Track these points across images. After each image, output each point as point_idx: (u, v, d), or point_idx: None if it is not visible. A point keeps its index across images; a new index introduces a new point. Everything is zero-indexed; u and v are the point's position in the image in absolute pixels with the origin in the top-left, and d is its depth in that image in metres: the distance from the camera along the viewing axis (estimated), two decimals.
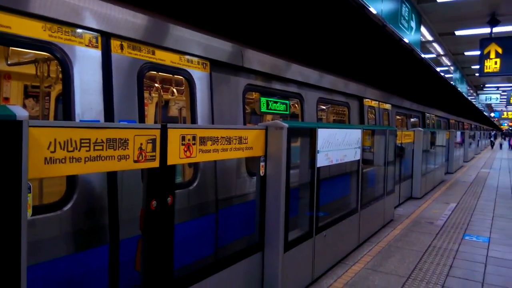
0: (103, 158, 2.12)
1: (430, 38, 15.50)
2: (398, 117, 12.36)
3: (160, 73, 4.47)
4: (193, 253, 3.55)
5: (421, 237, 6.42)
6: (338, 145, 4.83)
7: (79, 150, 2.00)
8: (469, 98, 29.31)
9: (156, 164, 2.50)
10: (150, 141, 2.45)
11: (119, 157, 2.23)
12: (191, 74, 3.71)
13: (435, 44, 16.99)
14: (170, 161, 2.61)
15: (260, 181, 3.78)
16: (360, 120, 8.30)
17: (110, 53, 2.87)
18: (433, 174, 11.83)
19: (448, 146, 15.37)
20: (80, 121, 2.63)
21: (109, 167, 2.18)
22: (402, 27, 9.98)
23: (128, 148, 2.28)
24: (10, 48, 3.85)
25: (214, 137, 3.06)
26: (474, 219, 7.80)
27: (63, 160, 1.94)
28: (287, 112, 5.62)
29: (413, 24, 10.92)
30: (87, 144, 2.04)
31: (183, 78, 3.71)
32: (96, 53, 2.79)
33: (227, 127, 3.40)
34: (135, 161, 2.35)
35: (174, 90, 5.04)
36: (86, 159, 2.03)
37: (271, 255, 3.74)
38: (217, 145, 3.13)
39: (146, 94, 4.63)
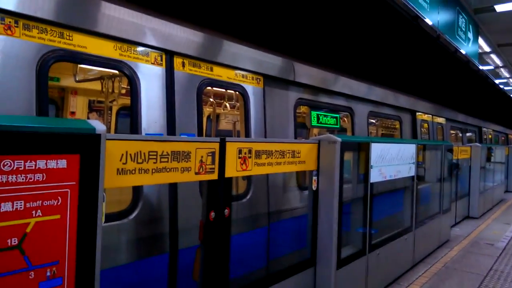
0: (168, 170, 2.22)
1: (488, 49, 14.76)
2: (452, 131, 11.81)
3: (215, 88, 4.61)
4: (246, 265, 3.58)
5: (481, 259, 6.03)
6: (391, 160, 4.70)
7: (147, 162, 2.11)
8: None
9: (215, 176, 2.57)
10: (210, 154, 2.54)
11: (182, 169, 2.32)
12: (245, 89, 3.80)
13: (493, 56, 16.14)
14: (228, 173, 2.67)
15: (312, 195, 3.76)
16: (412, 134, 8.03)
17: (173, 70, 3.03)
18: (492, 192, 11.12)
19: (508, 162, 14.41)
20: (146, 134, 2.78)
21: (174, 178, 2.28)
22: (459, 39, 9.61)
23: (190, 161, 2.38)
24: (78, 65, 4.14)
25: (268, 150, 3.10)
26: None
27: (133, 171, 2.05)
28: (337, 126, 5.57)
29: (470, 35, 10.48)
30: (154, 156, 2.15)
31: (238, 93, 3.81)
32: (161, 70, 2.96)
33: (280, 141, 3.44)
34: (196, 173, 2.44)
35: (228, 105, 5.17)
36: (153, 171, 2.14)
37: (323, 272, 3.68)
38: (271, 158, 3.16)
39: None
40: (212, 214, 2.56)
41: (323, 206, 3.71)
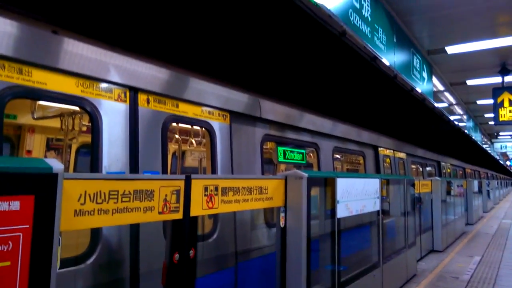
0: (129, 210, 2.12)
1: (441, 87, 15.67)
2: (413, 166, 12.23)
3: (181, 124, 4.57)
4: None
5: None
6: (357, 195, 4.76)
7: (107, 202, 2.00)
8: (483, 146, 29.02)
9: (179, 215, 2.48)
10: (175, 192, 2.46)
11: (144, 209, 2.22)
12: (212, 126, 3.79)
13: (447, 94, 17.14)
14: (193, 212, 2.59)
15: (280, 232, 3.70)
16: (376, 169, 8.23)
17: (137, 106, 2.98)
18: (454, 226, 11.44)
19: (466, 195, 14.96)
20: (107, 173, 2.67)
21: (135, 219, 2.17)
22: (415, 78, 10.18)
23: (153, 200, 2.29)
24: (37, 102, 4.00)
25: (235, 187, 3.05)
26: (502, 273, 7.41)
27: (92, 212, 1.94)
28: (304, 162, 5.62)
29: (424, 74, 11.15)
30: (115, 196, 2.05)
31: (205, 129, 3.79)
32: (124, 107, 2.90)
33: (247, 177, 3.40)
34: (159, 213, 2.34)
35: (194, 141, 5.12)
36: (114, 211, 2.03)
37: None
38: (239, 195, 3.11)
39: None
40: (176, 256, 2.45)
41: (291, 244, 3.65)
